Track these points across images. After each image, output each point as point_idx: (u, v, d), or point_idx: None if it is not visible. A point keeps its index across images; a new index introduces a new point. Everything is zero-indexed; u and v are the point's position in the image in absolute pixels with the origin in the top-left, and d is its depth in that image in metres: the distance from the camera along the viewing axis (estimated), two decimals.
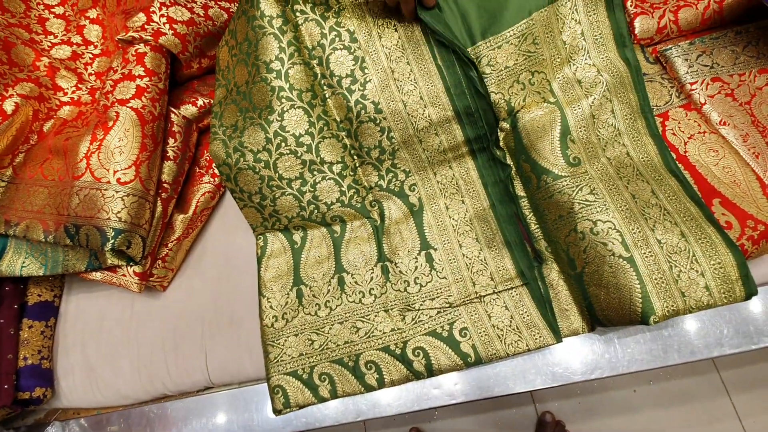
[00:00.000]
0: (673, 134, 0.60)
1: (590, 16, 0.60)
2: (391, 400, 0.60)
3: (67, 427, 0.67)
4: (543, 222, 0.58)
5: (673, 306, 0.47)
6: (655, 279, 0.47)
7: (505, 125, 0.62)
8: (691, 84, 0.63)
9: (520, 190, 0.62)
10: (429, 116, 0.60)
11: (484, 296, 0.58)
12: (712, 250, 0.47)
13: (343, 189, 0.65)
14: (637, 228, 0.50)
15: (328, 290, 0.63)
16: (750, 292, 0.46)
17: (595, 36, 0.60)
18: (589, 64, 0.59)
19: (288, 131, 0.62)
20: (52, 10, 0.82)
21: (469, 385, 0.59)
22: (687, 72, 0.64)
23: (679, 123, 0.61)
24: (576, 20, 0.59)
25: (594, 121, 0.58)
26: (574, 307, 0.56)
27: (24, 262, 0.65)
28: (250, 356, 0.63)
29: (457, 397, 0.58)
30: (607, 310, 0.51)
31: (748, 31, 0.66)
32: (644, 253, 0.49)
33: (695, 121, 0.61)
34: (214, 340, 0.65)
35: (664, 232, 0.49)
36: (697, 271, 0.47)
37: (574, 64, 0.60)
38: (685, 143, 0.59)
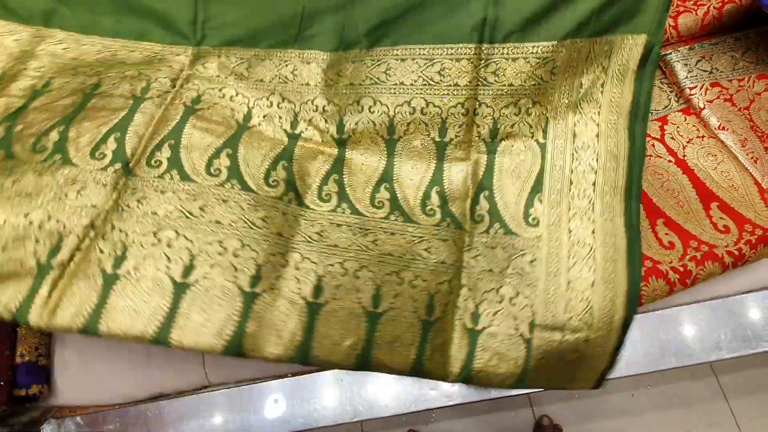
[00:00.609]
0: (672, 138, 0.61)
1: (619, 69, 0.53)
2: (388, 400, 0.60)
3: (63, 425, 0.66)
4: (471, 264, 0.54)
5: (538, 383, 0.50)
6: (540, 363, 0.49)
7: (482, 149, 0.57)
8: (691, 89, 0.64)
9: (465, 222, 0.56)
10: None
11: None
12: (605, 341, 0.48)
13: None
14: (551, 315, 0.49)
15: None
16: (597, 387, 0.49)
17: (614, 94, 0.54)
18: (594, 121, 0.54)
19: None
20: None
21: (467, 387, 0.59)
22: (686, 77, 0.64)
23: (678, 127, 0.62)
24: (603, 67, 0.54)
25: (571, 188, 0.53)
26: (451, 360, 0.50)
27: None
28: None
29: (455, 398, 0.58)
30: (480, 374, 0.49)
31: (748, 37, 0.66)
32: (543, 340, 0.49)
33: (694, 126, 0.61)
34: None
35: (572, 332, 0.49)
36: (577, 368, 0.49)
37: (579, 113, 0.55)
38: (684, 147, 0.60)
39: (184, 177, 0.54)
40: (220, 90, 0.63)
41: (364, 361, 0.49)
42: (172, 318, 0.46)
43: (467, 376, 0.50)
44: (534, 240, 0.52)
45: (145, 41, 0.66)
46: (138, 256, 0.48)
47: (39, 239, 0.49)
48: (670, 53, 0.66)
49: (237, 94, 0.62)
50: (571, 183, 0.52)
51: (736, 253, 0.51)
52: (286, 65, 0.61)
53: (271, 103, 0.61)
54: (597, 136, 0.53)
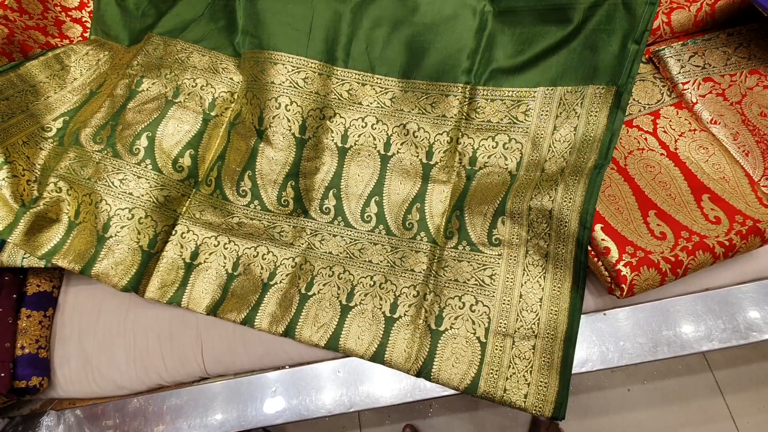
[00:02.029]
0: (664, 132, 0.61)
1: (590, 114, 0.58)
2: (385, 391, 0.60)
3: (63, 416, 0.67)
4: (438, 274, 0.61)
5: (491, 389, 0.55)
6: (493, 369, 0.55)
7: (462, 174, 0.65)
8: (683, 84, 0.64)
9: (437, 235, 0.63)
10: None
11: None
12: (547, 370, 0.54)
13: None
14: (504, 323, 0.57)
15: None
16: (556, 416, 0.53)
17: (587, 134, 0.58)
18: (564, 159, 0.59)
19: None
20: (69, 13, 0.82)
21: None
22: (679, 72, 0.65)
23: (670, 121, 0.62)
24: (576, 113, 0.59)
25: (530, 213, 0.58)
26: (413, 355, 0.58)
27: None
28: (244, 348, 0.64)
29: (450, 389, 0.59)
30: (440, 371, 0.57)
31: (740, 33, 0.67)
32: (496, 345, 0.56)
33: (686, 119, 0.62)
34: (210, 332, 0.65)
35: (521, 338, 0.56)
36: (525, 379, 0.54)
37: (551, 151, 0.60)
38: (676, 140, 0.60)
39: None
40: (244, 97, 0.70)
41: (333, 344, 0.60)
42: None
43: (427, 371, 0.57)
44: (495, 257, 0.60)
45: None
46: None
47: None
48: (664, 49, 0.66)
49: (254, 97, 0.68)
50: (530, 209, 0.58)
51: (727, 243, 0.52)
52: (298, 72, 0.66)
53: (279, 104, 0.66)
54: (560, 171, 0.58)
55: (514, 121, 0.62)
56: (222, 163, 0.68)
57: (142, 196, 0.64)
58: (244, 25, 0.68)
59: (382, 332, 0.60)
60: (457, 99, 0.64)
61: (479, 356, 0.56)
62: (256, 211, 0.67)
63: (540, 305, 0.56)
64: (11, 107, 0.67)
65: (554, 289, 0.56)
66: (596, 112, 0.58)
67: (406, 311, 0.60)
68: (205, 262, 0.65)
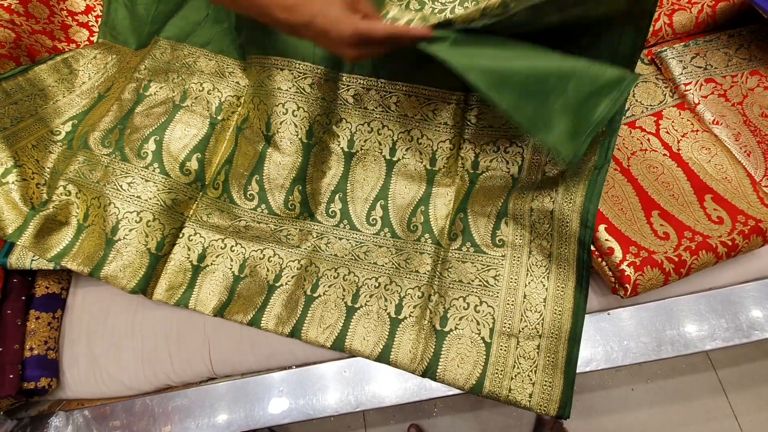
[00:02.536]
0: (667, 132, 0.62)
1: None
2: (390, 391, 0.61)
3: (71, 417, 0.68)
4: (443, 275, 0.62)
5: (496, 389, 0.55)
6: (498, 369, 0.56)
7: (465, 178, 0.66)
8: (686, 85, 0.65)
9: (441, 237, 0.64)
10: None
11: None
12: (551, 370, 0.54)
13: None
14: (508, 323, 0.58)
15: None
16: (561, 416, 0.53)
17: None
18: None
19: None
20: (76, 17, 0.83)
21: None
22: (681, 73, 0.66)
23: (673, 122, 0.63)
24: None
25: (532, 214, 0.59)
26: (419, 355, 0.58)
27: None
28: (252, 348, 0.65)
29: (455, 389, 0.59)
30: (445, 372, 0.57)
31: (741, 34, 0.67)
32: (500, 345, 0.57)
33: (688, 120, 0.63)
34: (217, 333, 0.66)
35: (525, 338, 0.56)
36: (530, 379, 0.55)
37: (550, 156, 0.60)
38: (678, 141, 0.61)
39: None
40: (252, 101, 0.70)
41: (339, 345, 0.61)
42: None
43: (433, 372, 0.57)
44: (499, 258, 0.61)
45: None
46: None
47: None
48: (666, 50, 0.67)
49: (261, 103, 0.68)
50: (532, 210, 0.58)
51: (730, 243, 0.52)
52: (304, 78, 0.66)
53: (287, 110, 0.66)
54: (561, 174, 0.58)
55: (513, 126, 0.63)
56: (229, 167, 0.69)
57: (150, 199, 0.65)
58: (250, 30, 0.69)
59: (387, 333, 0.60)
60: (459, 107, 0.64)
61: (484, 356, 0.57)
62: (263, 215, 0.68)
63: (544, 305, 0.57)
64: (20, 111, 0.68)
65: (558, 290, 0.57)
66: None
67: (411, 312, 0.61)
68: (212, 264, 0.66)
